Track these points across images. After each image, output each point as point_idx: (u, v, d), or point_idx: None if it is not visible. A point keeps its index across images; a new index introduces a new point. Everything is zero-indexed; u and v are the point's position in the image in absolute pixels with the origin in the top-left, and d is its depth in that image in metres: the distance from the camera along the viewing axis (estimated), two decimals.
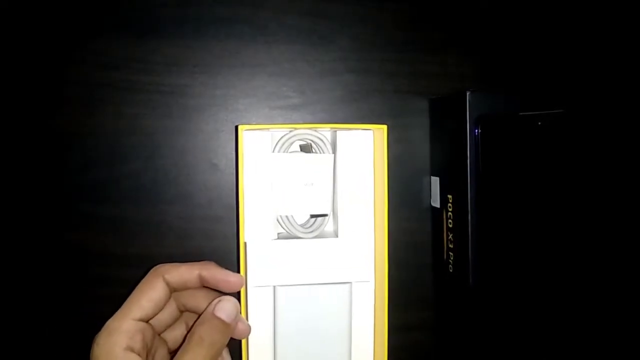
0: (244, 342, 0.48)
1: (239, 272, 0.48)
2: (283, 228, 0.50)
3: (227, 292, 0.47)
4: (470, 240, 0.49)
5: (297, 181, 0.49)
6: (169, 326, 0.47)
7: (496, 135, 0.49)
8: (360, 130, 0.50)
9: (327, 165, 0.49)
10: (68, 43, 0.53)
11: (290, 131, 0.49)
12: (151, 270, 0.46)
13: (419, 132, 0.57)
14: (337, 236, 0.50)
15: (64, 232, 0.54)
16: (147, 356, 0.43)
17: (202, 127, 0.54)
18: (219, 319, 0.44)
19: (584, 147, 0.51)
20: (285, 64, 0.55)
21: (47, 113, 0.53)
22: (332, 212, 0.51)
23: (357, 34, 0.56)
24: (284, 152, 0.49)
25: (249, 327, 0.46)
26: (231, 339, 0.45)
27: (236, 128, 0.50)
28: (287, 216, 0.49)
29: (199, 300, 0.48)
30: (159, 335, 0.46)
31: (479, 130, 0.49)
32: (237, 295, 0.48)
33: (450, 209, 0.52)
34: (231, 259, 0.54)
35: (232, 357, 0.47)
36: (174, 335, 0.48)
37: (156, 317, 0.45)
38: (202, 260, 0.48)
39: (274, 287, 0.48)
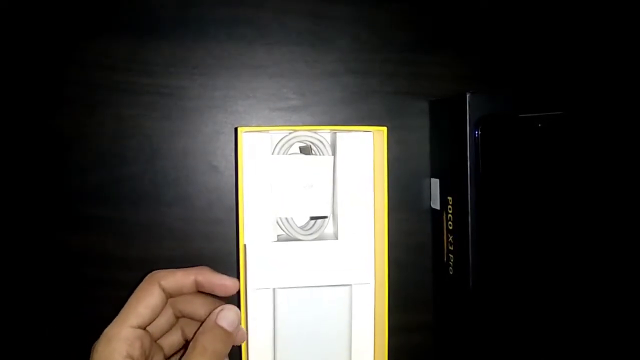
0: (243, 345, 0.48)
1: (238, 274, 0.48)
2: (283, 230, 0.50)
3: (223, 296, 0.48)
4: (471, 242, 0.49)
5: (297, 183, 0.49)
6: (165, 332, 0.47)
7: (496, 137, 0.49)
8: (360, 132, 0.49)
9: (327, 167, 0.49)
10: (68, 44, 0.53)
11: (290, 133, 0.49)
12: (147, 277, 0.46)
13: (419, 134, 0.57)
14: (336, 238, 0.50)
15: (64, 234, 0.54)
16: None
17: (201, 129, 0.54)
18: (221, 328, 0.44)
19: (584, 148, 0.51)
20: (285, 66, 0.55)
21: (47, 114, 0.53)
22: (331, 214, 0.51)
23: (357, 36, 0.56)
24: (283, 154, 0.49)
25: (245, 334, 0.47)
26: None
27: (235, 130, 0.50)
28: (286, 218, 0.49)
29: (195, 305, 0.48)
30: (155, 341, 0.46)
31: (479, 132, 0.49)
32: (236, 298, 0.48)
33: (450, 211, 0.52)
34: (231, 261, 0.54)
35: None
36: (170, 341, 0.48)
37: (153, 323, 0.45)
38: (199, 264, 0.48)
39: (274, 289, 0.48)
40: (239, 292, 0.48)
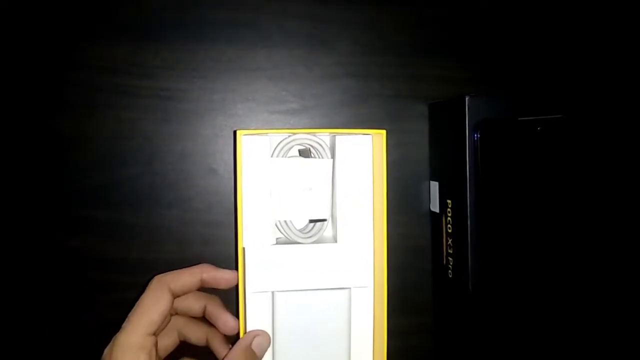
0: None
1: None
2: (282, 233, 0.50)
3: (225, 288, 0.48)
4: (470, 245, 0.49)
5: (296, 186, 0.49)
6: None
7: (495, 140, 0.49)
8: (359, 135, 0.49)
9: (326, 170, 0.49)
10: (68, 46, 0.53)
11: (289, 136, 0.49)
12: (154, 282, 0.46)
13: (418, 137, 0.57)
14: (336, 241, 0.50)
15: (63, 236, 0.53)
16: None
17: (200, 132, 0.54)
18: (254, 352, 0.46)
19: (583, 152, 0.51)
20: (285, 69, 0.55)
21: (47, 116, 0.53)
22: (331, 217, 0.51)
23: (356, 39, 0.56)
24: (282, 157, 0.49)
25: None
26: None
27: (234, 133, 0.50)
28: (285, 221, 0.49)
29: (189, 302, 0.49)
30: None
31: (479, 135, 0.48)
32: (235, 301, 0.48)
33: (449, 214, 0.52)
34: (230, 264, 0.54)
35: None
36: (165, 343, 0.48)
37: None
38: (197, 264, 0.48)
39: (273, 292, 0.48)
40: (237, 295, 0.48)
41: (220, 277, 0.48)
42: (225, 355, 0.46)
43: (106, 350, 0.43)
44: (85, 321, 0.54)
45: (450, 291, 0.53)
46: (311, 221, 0.50)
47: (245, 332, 0.48)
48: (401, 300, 0.56)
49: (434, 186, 0.55)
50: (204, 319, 0.50)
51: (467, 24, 0.58)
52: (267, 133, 0.48)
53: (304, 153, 0.50)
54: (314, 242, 0.49)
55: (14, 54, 0.52)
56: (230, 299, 0.52)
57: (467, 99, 0.49)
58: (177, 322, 0.49)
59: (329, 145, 0.50)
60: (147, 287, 0.46)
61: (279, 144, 0.49)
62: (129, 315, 0.44)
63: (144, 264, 0.54)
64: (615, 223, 0.53)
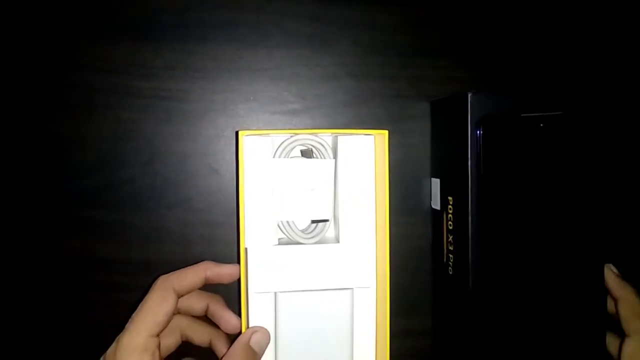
0: None
1: (239, 278, 0.48)
2: (284, 234, 0.50)
3: (229, 282, 0.49)
4: (470, 242, 0.49)
5: (298, 186, 0.49)
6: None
7: (498, 137, 0.49)
8: (361, 135, 0.49)
9: (328, 171, 0.49)
10: (67, 47, 0.53)
11: (291, 136, 0.48)
12: (159, 282, 0.46)
13: (420, 137, 0.57)
14: (338, 242, 0.50)
15: (63, 237, 0.53)
16: None
17: (201, 132, 0.54)
18: (252, 349, 0.46)
19: (586, 148, 0.51)
20: (286, 69, 0.55)
21: (46, 117, 0.53)
22: (333, 218, 0.51)
23: (357, 38, 0.56)
24: (284, 157, 0.48)
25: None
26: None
27: (236, 133, 0.49)
28: (288, 222, 0.49)
29: (191, 301, 0.49)
30: None
31: (481, 132, 0.48)
32: (237, 302, 0.48)
33: (450, 211, 0.52)
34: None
35: None
36: (167, 343, 0.48)
37: None
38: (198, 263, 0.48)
39: (275, 293, 0.48)
40: (240, 295, 0.47)
41: (223, 272, 0.48)
42: (225, 354, 0.46)
43: (109, 351, 0.43)
44: (86, 322, 0.54)
45: (450, 288, 0.53)
46: (313, 221, 0.50)
47: None
48: (404, 300, 0.56)
49: (435, 183, 0.55)
50: (206, 319, 0.50)
51: (468, 23, 0.58)
52: (269, 133, 0.48)
53: (306, 153, 0.50)
54: (316, 243, 0.49)
55: (13, 54, 0.52)
56: (233, 299, 0.52)
57: (469, 95, 0.49)
58: (180, 322, 0.49)
59: (331, 146, 0.50)
60: (151, 288, 0.46)
61: (281, 144, 0.48)
62: (133, 316, 0.44)
63: (145, 265, 0.54)
64: (617, 220, 0.53)
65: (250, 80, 0.55)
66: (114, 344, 0.43)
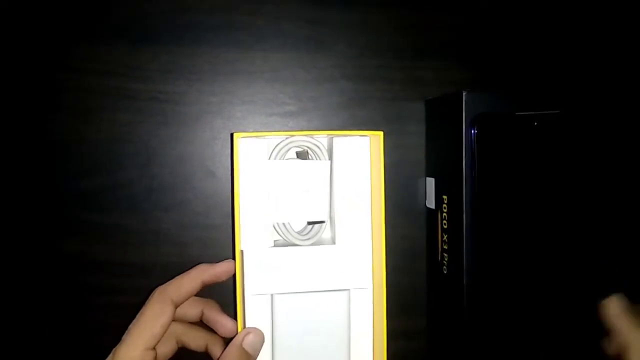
0: None
1: (234, 282, 0.48)
2: (280, 235, 0.50)
3: (226, 279, 0.49)
4: (465, 241, 0.49)
5: (294, 188, 0.49)
6: None
7: (492, 136, 0.49)
8: (356, 137, 0.49)
9: (324, 172, 0.49)
10: (64, 50, 0.53)
11: (286, 138, 0.48)
12: (156, 295, 0.46)
13: (416, 138, 0.57)
14: (334, 243, 0.50)
15: (60, 240, 0.53)
16: None
17: (198, 135, 0.54)
18: (245, 351, 0.46)
19: (581, 147, 0.51)
20: (282, 71, 0.55)
21: (42, 120, 0.53)
22: (329, 219, 0.51)
23: (353, 41, 0.56)
24: (280, 159, 0.49)
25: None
26: None
27: (231, 136, 0.49)
28: (283, 223, 0.49)
29: (185, 308, 0.49)
30: None
31: (475, 131, 0.48)
32: (233, 304, 0.48)
33: (445, 210, 0.52)
34: None
35: None
36: (163, 351, 0.48)
37: None
38: (193, 267, 0.48)
39: (272, 295, 0.48)
40: (236, 298, 0.47)
41: (219, 272, 0.48)
42: (219, 357, 0.46)
43: None
44: (83, 324, 0.54)
45: (445, 287, 0.53)
46: (309, 223, 0.50)
47: None
48: (401, 301, 0.56)
49: (430, 182, 0.55)
50: (202, 324, 0.50)
51: (464, 25, 0.58)
52: (264, 135, 0.48)
53: (302, 155, 0.50)
54: (312, 244, 0.49)
55: (10, 56, 0.52)
56: (229, 302, 0.52)
57: (464, 94, 0.49)
58: (176, 329, 0.49)
59: (326, 147, 0.50)
60: (148, 300, 0.45)
61: (276, 146, 0.49)
62: (130, 327, 0.44)
63: (142, 267, 0.54)
64: (612, 220, 0.53)
65: (246, 82, 0.55)
66: (110, 356, 0.43)
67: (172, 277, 0.47)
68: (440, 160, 0.54)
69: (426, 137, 0.57)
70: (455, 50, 0.58)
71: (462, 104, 0.49)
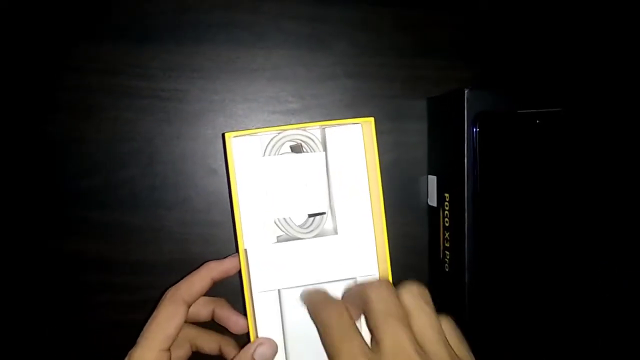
0: None
1: (241, 279, 0.48)
2: (282, 230, 0.50)
3: (234, 274, 0.49)
4: (467, 238, 0.49)
5: (291, 182, 0.49)
6: None
7: (494, 134, 0.49)
8: (348, 125, 0.49)
9: (319, 164, 0.49)
10: (66, 49, 0.53)
11: (279, 133, 0.48)
12: (168, 296, 0.46)
13: (417, 136, 0.57)
14: (336, 233, 0.49)
15: (61, 239, 0.54)
16: None
17: (200, 133, 0.55)
18: None
19: (583, 145, 0.51)
20: (284, 69, 0.56)
21: (44, 119, 0.53)
22: (329, 210, 0.50)
23: (355, 39, 0.56)
24: (274, 155, 0.48)
25: None
26: None
27: (223, 136, 0.50)
28: (284, 218, 0.49)
29: (197, 308, 0.49)
30: None
31: (477, 129, 0.48)
32: (242, 302, 0.48)
33: (447, 208, 0.52)
34: None
35: None
36: (178, 355, 0.48)
37: None
38: (199, 267, 0.48)
39: (279, 290, 0.48)
40: (244, 296, 0.47)
41: (227, 268, 0.48)
42: None
43: None
44: (85, 322, 0.54)
45: (447, 285, 0.53)
46: (310, 216, 0.50)
47: (255, 333, 0.47)
48: None
49: (432, 180, 0.55)
50: (213, 326, 0.50)
51: (466, 23, 0.58)
52: (256, 133, 0.48)
53: (296, 149, 0.50)
54: (315, 236, 0.49)
55: (11, 56, 0.53)
56: (237, 299, 0.52)
57: (466, 92, 0.49)
58: (189, 333, 0.49)
59: (320, 139, 0.50)
60: (161, 301, 0.46)
61: (269, 142, 0.48)
62: (145, 329, 0.44)
63: (145, 265, 0.54)
64: (613, 218, 0.53)
65: (248, 80, 0.55)
66: (126, 358, 0.43)
67: (175, 275, 0.48)
68: (442, 158, 0.54)
69: (428, 135, 0.57)
70: (457, 48, 0.58)
71: (464, 102, 0.49)
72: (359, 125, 0.49)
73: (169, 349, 0.44)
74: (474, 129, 0.49)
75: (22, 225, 0.54)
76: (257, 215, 0.48)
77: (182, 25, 0.54)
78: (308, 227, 0.50)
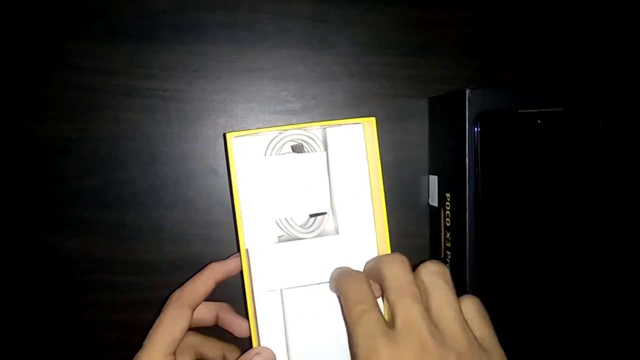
0: None
1: (242, 279, 0.48)
2: (283, 230, 0.49)
3: (236, 274, 0.49)
4: (468, 238, 0.49)
5: (293, 182, 0.49)
6: None
7: (495, 133, 0.49)
8: (349, 125, 0.49)
9: (321, 164, 0.49)
10: (67, 48, 0.53)
11: (280, 133, 0.48)
12: (173, 299, 0.46)
13: (418, 136, 0.57)
14: (338, 233, 0.49)
15: (63, 238, 0.54)
16: None
17: (201, 132, 0.55)
18: None
19: (583, 145, 0.50)
20: (285, 69, 0.55)
21: (44, 119, 0.53)
22: (330, 210, 0.50)
23: (356, 38, 0.56)
24: (275, 154, 0.48)
25: None
26: None
27: (224, 136, 0.50)
28: (286, 218, 0.49)
29: (201, 313, 0.49)
30: None
31: (478, 128, 0.48)
32: (244, 303, 0.47)
33: (448, 208, 0.52)
34: None
35: None
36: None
37: None
38: (199, 268, 0.48)
39: (281, 290, 0.48)
40: (245, 297, 0.47)
41: (230, 269, 0.49)
42: None
43: None
44: (86, 322, 0.54)
45: None
46: (311, 216, 0.50)
47: (256, 334, 0.47)
48: None
49: (433, 180, 0.55)
50: (216, 331, 0.50)
51: (467, 23, 0.58)
52: (257, 133, 0.48)
53: (297, 149, 0.50)
54: (316, 236, 0.49)
55: (11, 55, 0.53)
56: (237, 300, 0.53)
57: (467, 91, 0.49)
58: (193, 340, 0.49)
59: (321, 139, 0.50)
60: (166, 305, 0.46)
61: (270, 142, 0.48)
62: (150, 333, 0.44)
63: (145, 265, 0.54)
64: (613, 218, 0.53)
65: (249, 80, 0.55)
66: None
67: (175, 275, 0.48)
68: (443, 158, 0.54)
69: (429, 135, 0.57)
70: (459, 48, 0.58)
71: (466, 102, 0.49)
72: (361, 125, 0.49)
73: (174, 354, 0.44)
74: (475, 129, 0.49)
75: (22, 225, 0.54)
76: (259, 215, 0.48)
77: (183, 25, 0.54)
78: (309, 227, 0.50)
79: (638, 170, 0.54)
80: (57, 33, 0.53)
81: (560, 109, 0.50)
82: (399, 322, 0.36)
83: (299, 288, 0.47)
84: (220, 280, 0.48)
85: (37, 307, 0.54)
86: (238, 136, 0.47)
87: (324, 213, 0.50)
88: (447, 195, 0.52)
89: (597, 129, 0.51)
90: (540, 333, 0.51)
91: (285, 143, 0.49)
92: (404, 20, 0.57)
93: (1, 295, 0.54)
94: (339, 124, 0.49)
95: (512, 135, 0.49)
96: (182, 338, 0.44)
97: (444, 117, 0.53)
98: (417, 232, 0.57)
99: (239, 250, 0.47)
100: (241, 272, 0.48)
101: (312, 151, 0.49)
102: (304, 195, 0.49)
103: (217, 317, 0.50)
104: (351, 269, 0.44)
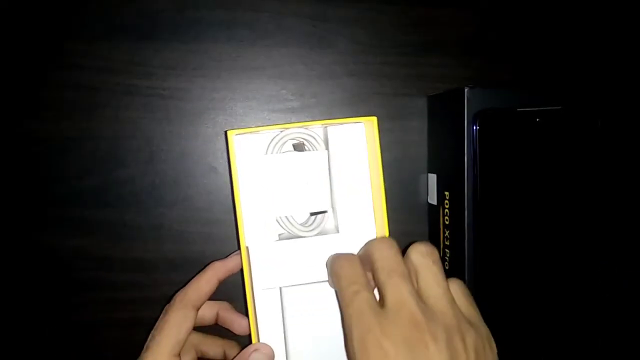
0: None
1: (243, 277, 0.48)
2: (284, 229, 0.50)
3: (237, 272, 0.49)
4: (467, 237, 0.49)
5: (293, 180, 0.49)
6: None
7: (494, 132, 0.49)
8: (351, 124, 0.49)
9: (322, 162, 0.49)
10: (67, 47, 0.53)
11: (281, 132, 0.48)
12: (177, 301, 0.46)
13: (418, 134, 0.57)
14: (338, 231, 0.49)
15: (64, 237, 0.54)
16: None
17: (201, 131, 0.55)
18: None
19: (582, 144, 0.51)
20: (284, 67, 0.56)
21: (44, 118, 0.53)
22: (331, 208, 0.50)
23: (355, 37, 0.56)
24: (277, 153, 0.48)
25: None
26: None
27: (225, 133, 0.50)
28: (286, 216, 0.49)
29: (202, 312, 0.49)
30: None
31: (477, 127, 0.49)
32: (243, 300, 0.48)
33: (447, 206, 0.52)
34: None
35: None
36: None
37: None
38: (200, 266, 0.49)
39: (280, 288, 0.48)
40: (245, 295, 0.47)
41: (232, 267, 0.49)
42: None
43: None
44: (86, 321, 0.54)
45: None
46: (312, 214, 0.50)
47: (256, 331, 0.47)
48: None
49: (432, 178, 0.55)
50: (216, 329, 0.51)
51: (467, 22, 0.58)
52: (258, 131, 0.48)
53: (298, 147, 0.50)
54: (316, 235, 0.49)
55: (11, 55, 0.53)
56: (236, 297, 0.53)
57: (466, 90, 0.49)
58: (194, 338, 0.49)
59: (322, 138, 0.50)
60: (170, 306, 0.46)
61: (271, 140, 0.48)
62: (155, 334, 0.44)
63: (145, 264, 0.54)
64: (613, 217, 0.53)
65: (249, 79, 0.55)
66: None
67: (175, 273, 0.48)
68: (443, 157, 0.54)
69: (428, 134, 0.57)
70: (458, 47, 0.58)
71: (464, 100, 0.49)
72: (362, 124, 0.49)
73: (179, 354, 0.44)
74: (474, 127, 0.49)
75: (22, 225, 0.53)
76: (259, 213, 0.48)
77: (182, 24, 0.54)
78: (310, 225, 0.50)
79: (636, 169, 0.54)
80: (57, 33, 0.53)
81: (559, 107, 0.50)
82: (389, 301, 0.37)
83: (298, 286, 0.48)
84: (223, 278, 0.48)
85: (37, 306, 0.54)
86: (239, 134, 0.47)
87: (325, 211, 0.50)
88: (446, 193, 0.52)
89: (596, 127, 0.51)
90: (540, 332, 0.51)
91: (286, 141, 0.49)
92: (404, 19, 0.57)
93: (1, 295, 0.54)
94: (341, 123, 0.49)
95: (511, 134, 0.49)
96: (187, 338, 0.45)
97: (443, 116, 0.54)
98: (416, 231, 0.57)
99: (239, 248, 0.47)
100: (241, 269, 0.48)
101: (313, 150, 0.49)
102: (304, 193, 0.49)
103: (217, 315, 0.50)
104: (344, 253, 0.44)
